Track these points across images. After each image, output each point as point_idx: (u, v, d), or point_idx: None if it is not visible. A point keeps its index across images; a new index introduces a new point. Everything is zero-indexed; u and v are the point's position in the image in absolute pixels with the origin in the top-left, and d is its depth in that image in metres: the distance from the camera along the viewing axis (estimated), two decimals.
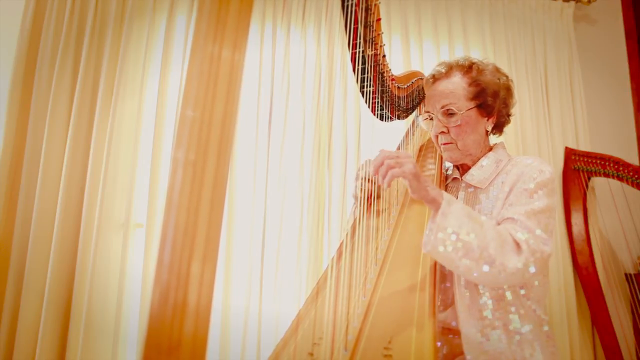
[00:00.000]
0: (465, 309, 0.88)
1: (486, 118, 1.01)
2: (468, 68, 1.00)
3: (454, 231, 0.75)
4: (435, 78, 1.04)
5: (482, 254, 0.74)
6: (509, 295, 0.88)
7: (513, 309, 0.88)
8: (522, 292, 0.89)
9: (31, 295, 1.46)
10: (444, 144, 1.02)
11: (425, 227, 0.80)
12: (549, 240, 0.81)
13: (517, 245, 0.79)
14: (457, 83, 0.99)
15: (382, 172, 0.77)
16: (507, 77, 1.03)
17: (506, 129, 1.09)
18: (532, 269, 0.77)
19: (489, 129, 1.03)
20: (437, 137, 1.03)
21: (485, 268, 0.75)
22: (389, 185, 0.77)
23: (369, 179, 1.02)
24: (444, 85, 1.00)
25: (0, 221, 1.49)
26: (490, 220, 0.83)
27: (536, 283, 0.91)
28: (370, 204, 1.04)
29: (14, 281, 1.47)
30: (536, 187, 0.87)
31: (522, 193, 0.88)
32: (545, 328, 0.89)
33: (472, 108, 0.98)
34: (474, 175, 1.01)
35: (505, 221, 0.86)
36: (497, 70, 1.02)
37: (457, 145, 1.00)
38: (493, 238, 0.76)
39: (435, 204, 0.78)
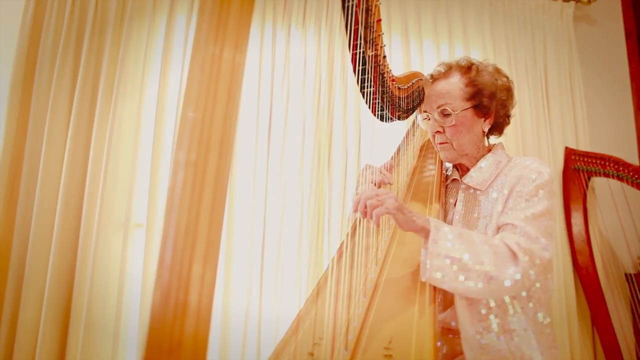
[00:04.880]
0: (465, 309, 0.88)
1: (482, 119, 1.01)
2: (467, 68, 1.00)
3: (447, 255, 0.74)
4: (434, 78, 1.04)
5: (478, 273, 0.74)
6: (507, 297, 0.88)
7: (512, 310, 0.88)
8: (523, 293, 0.89)
9: (31, 295, 1.46)
10: (440, 143, 1.02)
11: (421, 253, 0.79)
12: (548, 245, 0.81)
13: (514, 255, 0.78)
14: (455, 83, 0.99)
15: (368, 213, 0.76)
16: (507, 78, 1.03)
17: (506, 129, 1.09)
18: (533, 276, 0.78)
19: (486, 129, 1.03)
20: (434, 136, 1.03)
21: (484, 285, 0.74)
22: (377, 225, 0.77)
23: (372, 184, 1.02)
24: (441, 86, 1.01)
25: (0, 221, 1.49)
26: (482, 235, 0.83)
27: (537, 285, 0.91)
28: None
29: (14, 281, 1.47)
30: (535, 190, 0.87)
31: (521, 196, 0.87)
32: (547, 330, 0.89)
33: (467, 108, 0.98)
34: (473, 177, 1.01)
35: (505, 227, 0.86)
36: (496, 71, 1.02)
37: (452, 145, 1.00)
38: (487, 254, 0.76)
39: (424, 232, 0.77)
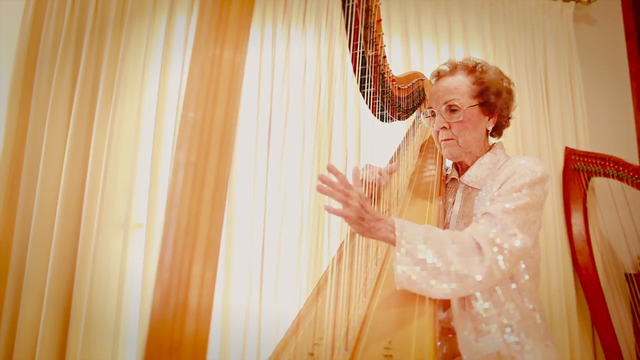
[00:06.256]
0: (459, 309, 0.88)
1: (487, 117, 1.02)
2: (472, 68, 1.01)
3: (415, 261, 0.72)
4: (439, 75, 1.05)
5: (449, 273, 0.73)
6: (499, 291, 0.88)
7: (505, 304, 0.88)
8: (513, 286, 0.89)
9: (31, 295, 1.46)
10: (445, 140, 1.02)
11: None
12: (520, 235, 0.79)
13: (478, 247, 0.77)
14: (462, 81, 1.00)
15: (335, 197, 0.72)
16: (509, 80, 1.05)
17: (505, 130, 1.09)
18: (504, 266, 0.76)
19: (490, 128, 1.04)
20: (437, 133, 1.03)
21: (456, 285, 0.73)
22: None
23: (368, 183, 1.02)
24: (448, 82, 1.01)
25: (0, 221, 1.49)
26: (449, 232, 0.81)
27: (526, 277, 0.91)
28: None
29: (14, 281, 1.47)
30: (521, 186, 0.86)
31: (507, 191, 0.87)
32: (539, 321, 0.89)
33: (475, 105, 0.99)
34: (470, 175, 1.01)
35: (483, 216, 0.85)
36: (500, 72, 1.04)
37: (457, 141, 1.00)
38: (455, 252, 0.74)
39: (388, 241, 0.75)
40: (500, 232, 0.79)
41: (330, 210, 0.72)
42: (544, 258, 1.84)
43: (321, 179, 0.73)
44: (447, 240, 0.77)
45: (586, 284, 1.85)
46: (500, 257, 0.76)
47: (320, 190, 0.73)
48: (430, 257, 0.73)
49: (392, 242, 0.75)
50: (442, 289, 0.73)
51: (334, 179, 0.73)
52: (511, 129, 1.86)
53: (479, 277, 0.74)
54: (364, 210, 0.73)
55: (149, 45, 1.70)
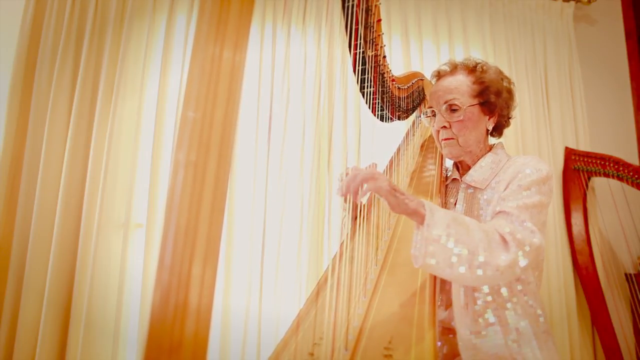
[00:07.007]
0: (461, 308, 0.88)
1: (488, 117, 1.02)
2: (472, 68, 1.02)
3: (442, 242, 0.72)
4: (440, 75, 1.05)
5: (473, 259, 0.72)
6: (505, 291, 0.88)
7: (509, 305, 0.88)
8: (519, 287, 0.89)
9: (31, 295, 1.46)
10: (445, 139, 1.02)
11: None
12: (538, 233, 0.80)
13: (505, 242, 0.77)
14: (462, 80, 1.00)
15: (354, 185, 0.74)
16: (509, 80, 1.05)
17: (505, 130, 1.09)
18: (523, 262, 0.76)
19: (490, 128, 1.04)
20: (438, 132, 1.03)
21: (479, 272, 0.73)
22: (360, 198, 0.74)
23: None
24: (448, 82, 1.01)
25: (0, 221, 1.49)
26: (475, 220, 0.81)
27: (531, 278, 0.91)
28: (369, 211, 1.04)
29: (14, 281, 1.47)
30: (530, 184, 0.87)
31: (516, 189, 0.87)
32: (542, 323, 0.89)
33: (475, 104, 0.99)
34: (473, 175, 1.01)
35: (498, 215, 0.85)
36: (500, 72, 1.04)
37: (458, 141, 1.01)
38: (481, 240, 0.75)
39: (417, 216, 0.74)
40: (520, 229, 0.79)
41: (362, 190, 0.74)
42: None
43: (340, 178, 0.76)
44: (474, 226, 0.76)
45: (586, 284, 1.85)
46: (520, 253, 0.76)
47: (341, 185, 0.76)
48: (458, 240, 0.73)
49: (421, 218, 0.74)
50: (462, 273, 0.72)
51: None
52: (511, 129, 1.85)
53: (500, 269, 0.73)
54: (392, 185, 0.75)
55: (149, 45, 1.70)
